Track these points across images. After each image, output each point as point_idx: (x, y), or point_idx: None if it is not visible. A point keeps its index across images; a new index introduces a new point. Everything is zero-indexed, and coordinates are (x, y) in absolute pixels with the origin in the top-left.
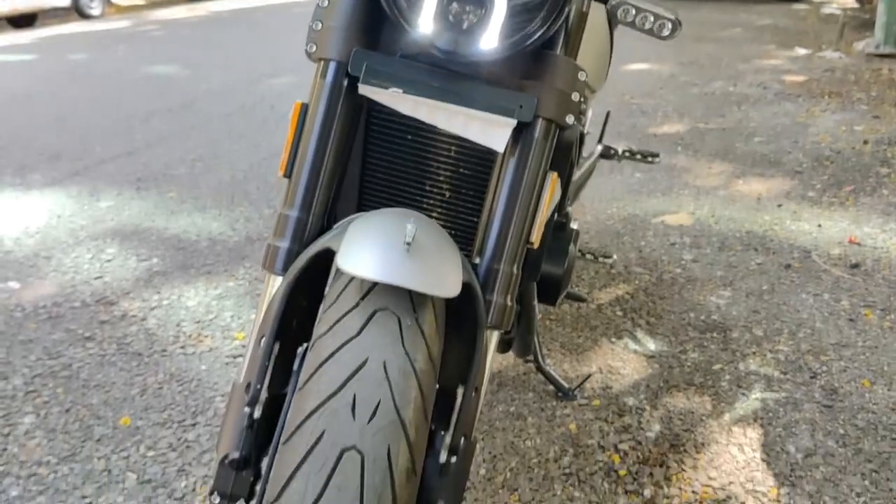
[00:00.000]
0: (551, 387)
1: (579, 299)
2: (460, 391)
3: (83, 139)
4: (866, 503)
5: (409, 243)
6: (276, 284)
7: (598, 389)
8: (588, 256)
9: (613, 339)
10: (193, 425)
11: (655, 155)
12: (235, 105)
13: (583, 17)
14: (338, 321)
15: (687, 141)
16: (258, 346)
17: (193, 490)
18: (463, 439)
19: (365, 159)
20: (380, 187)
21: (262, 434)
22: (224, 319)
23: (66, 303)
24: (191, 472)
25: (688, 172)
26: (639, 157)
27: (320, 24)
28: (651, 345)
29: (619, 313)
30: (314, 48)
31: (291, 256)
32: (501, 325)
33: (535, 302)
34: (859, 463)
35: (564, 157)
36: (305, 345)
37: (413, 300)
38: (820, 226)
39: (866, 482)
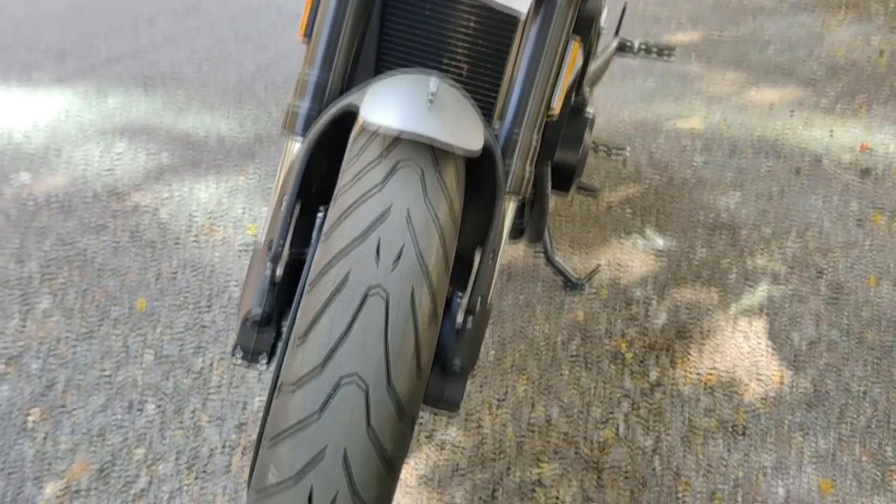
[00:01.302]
0: (560, 279)
1: (591, 189)
2: (478, 256)
3: (88, 39)
4: (867, 388)
5: (431, 99)
6: (296, 146)
7: (606, 282)
8: (601, 149)
9: (622, 237)
10: (209, 308)
11: (672, 49)
12: (241, 7)
13: None
14: (361, 173)
15: (700, 49)
16: (279, 206)
17: (211, 366)
18: (479, 301)
19: (382, 33)
20: (397, 62)
21: (282, 296)
22: (236, 212)
23: (78, 194)
24: (207, 350)
25: (700, 80)
26: (655, 51)
27: None
28: (660, 242)
29: (629, 212)
30: None
31: (312, 117)
32: (520, 190)
33: (549, 187)
34: (862, 352)
35: (587, 27)
36: (325, 206)
37: (436, 156)
38: (832, 133)
39: (868, 369)
